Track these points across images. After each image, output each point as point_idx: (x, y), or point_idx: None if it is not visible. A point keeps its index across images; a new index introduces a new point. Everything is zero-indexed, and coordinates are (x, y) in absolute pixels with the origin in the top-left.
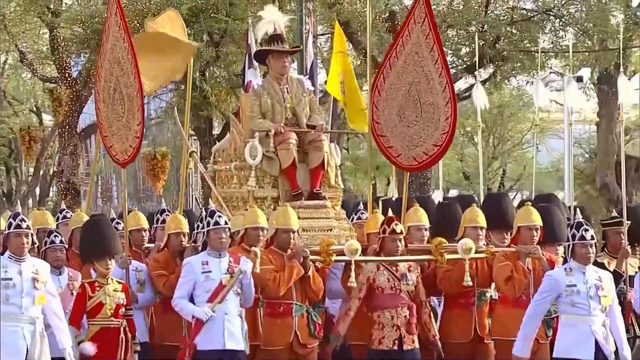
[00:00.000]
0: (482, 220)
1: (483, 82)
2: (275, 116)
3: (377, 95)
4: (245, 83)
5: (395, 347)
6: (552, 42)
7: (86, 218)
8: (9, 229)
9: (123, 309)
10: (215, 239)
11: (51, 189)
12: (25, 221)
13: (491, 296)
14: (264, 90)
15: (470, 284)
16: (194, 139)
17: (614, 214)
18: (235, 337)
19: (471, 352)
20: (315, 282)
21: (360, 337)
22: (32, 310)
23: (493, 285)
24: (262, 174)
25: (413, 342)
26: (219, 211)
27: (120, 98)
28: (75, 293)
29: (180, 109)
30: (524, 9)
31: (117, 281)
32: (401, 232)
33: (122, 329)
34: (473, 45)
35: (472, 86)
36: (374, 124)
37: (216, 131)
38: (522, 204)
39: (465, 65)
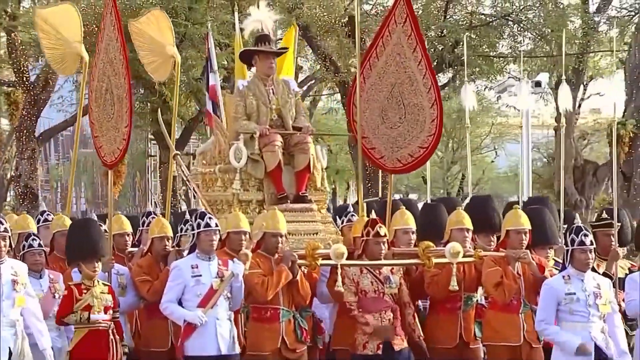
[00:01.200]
0: (467, 223)
1: (442, 87)
2: (260, 118)
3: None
4: (209, 87)
5: (380, 352)
6: (510, 47)
7: (68, 221)
8: None
9: (111, 311)
10: (206, 241)
11: (8, 193)
12: (2, 224)
13: (477, 301)
14: (249, 91)
15: (457, 288)
16: (154, 143)
17: (604, 215)
18: (227, 342)
19: (457, 357)
20: (304, 287)
21: (345, 342)
22: (12, 313)
23: (480, 289)
24: (247, 176)
25: (402, 340)
26: (209, 213)
27: (110, 98)
28: (57, 295)
29: (144, 113)
30: (483, 14)
31: (103, 283)
32: (385, 235)
33: (110, 331)
34: (432, 49)
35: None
36: (354, 125)
37: (175, 135)
38: (510, 207)
39: None
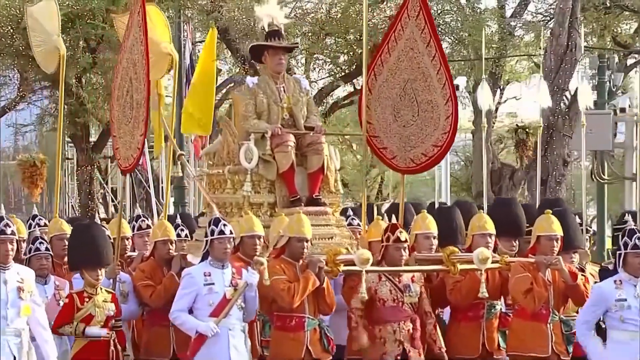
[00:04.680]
0: (490, 227)
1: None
2: (271, 117)
3: (368, 94)
4: None
5: None
6: None
7: (65, 225)
8: None
9: (113, 321)
10: (220, 249)
11: None
12: (10, 226)
13: (501, 309)
14: (259, 89)
15: (487, 295)
16: (70, 146)
17: (627, 218)
18: (240, 354)
19: None
20: (330, 294)
21: (360, 352)
22: (18, 321)
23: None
24: (258, 178)
25: (419, 355)
26: (223, 219)
27: (130, 102)
28: (62, 303)
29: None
30: None
31: (106, 291)
32: (406, 240)
33: (112, 341)
34: (352, 53)
35: (351, 93)
36: (369, 126)
37: (93, 138)
38: (541, 211)
39: (343, 74)
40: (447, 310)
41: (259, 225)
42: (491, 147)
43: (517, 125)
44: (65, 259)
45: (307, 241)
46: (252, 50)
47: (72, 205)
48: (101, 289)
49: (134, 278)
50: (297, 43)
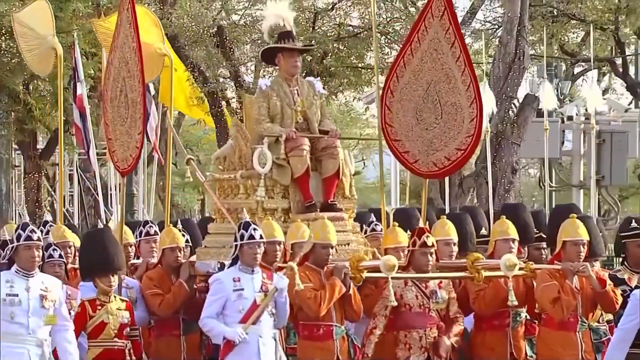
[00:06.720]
0: (513, 232)
1: None
2: (284, 120)
3: (390, 96)
4: (76, 97)
5: None
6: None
7: (68, 232)
8: (18, 240)
9: (128, 329)
10: (250, 254)
11: None
12: (35, 232)
13: (525, 317)
14: (273, 92)
15: (516, 303)
16: (18, 153)
17: (634, 224)
18: None
19: None
20: (357, 301)
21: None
22: (40, 331)
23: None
24: (271, 183)
25: None
26: (254, 223)
27: (125, 101)
28: (72, 312)
29: (8, 122)
30: (351, 25)
31: (120, 299)
32: (432, 245)
33: (127, 351)
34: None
35: None
36: (386, 127)
37: (40, 145)
38: (562, 216)
39: None
40: (469, 318)
41: (280, 230)
42: None
43: None
44: (69, 266)
45: (332, 247)
46: (264, 53)
47: (19, 213)
48: (115, 296)
49: (142, 286)
50: (313, 45)
